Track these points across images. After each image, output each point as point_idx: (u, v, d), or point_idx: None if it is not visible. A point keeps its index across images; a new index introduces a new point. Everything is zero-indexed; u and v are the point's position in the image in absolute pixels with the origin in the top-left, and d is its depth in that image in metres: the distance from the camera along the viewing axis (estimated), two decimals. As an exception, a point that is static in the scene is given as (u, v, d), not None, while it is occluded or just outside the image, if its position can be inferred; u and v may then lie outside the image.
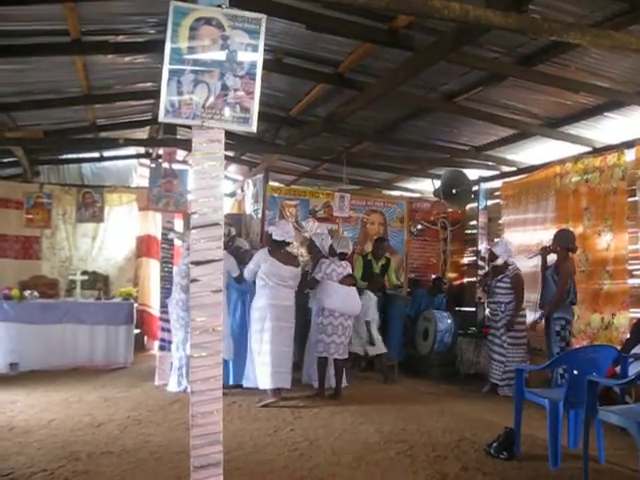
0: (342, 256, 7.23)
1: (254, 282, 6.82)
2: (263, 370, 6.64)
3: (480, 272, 9.52)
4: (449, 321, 8.91)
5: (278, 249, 6.82)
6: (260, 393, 6.75)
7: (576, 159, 7.83)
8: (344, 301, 7.06)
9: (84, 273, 9.91)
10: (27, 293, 8.86)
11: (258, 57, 3.22)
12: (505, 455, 4.84)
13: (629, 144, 7.06)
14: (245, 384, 7.08)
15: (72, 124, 9.15)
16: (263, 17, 3.21)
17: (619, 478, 4.49)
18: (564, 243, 6.91)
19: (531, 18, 4.14)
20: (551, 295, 6.89)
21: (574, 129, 7.36)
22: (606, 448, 4.82)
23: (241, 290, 7.34)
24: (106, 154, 11.30)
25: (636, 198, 6.94)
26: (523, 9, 4.02)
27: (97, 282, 10.24)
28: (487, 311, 8.23)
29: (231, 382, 7.19)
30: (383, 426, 5.83)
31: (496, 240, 8.45)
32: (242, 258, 7.20)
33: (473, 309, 9.83)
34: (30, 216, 10.47)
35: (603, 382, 4.88)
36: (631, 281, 7.08)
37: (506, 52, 5.69)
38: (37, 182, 10.76)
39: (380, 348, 8.28)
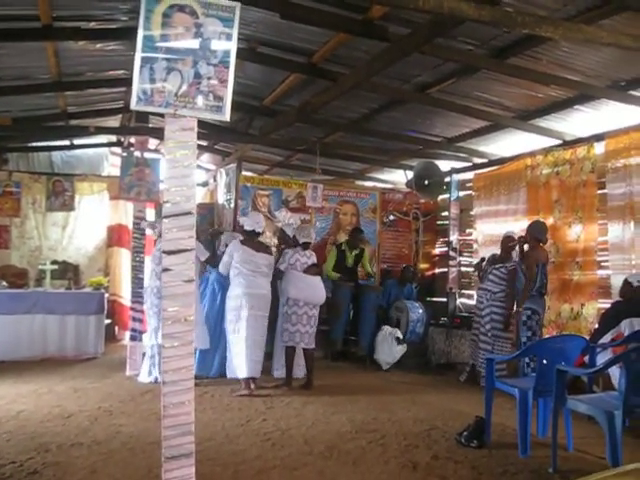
0: (306, 245, 7.24)
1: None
2: (238, 359, 6.65)
3: (469, 259, 9.49)
4: (421, 311, 8.99)
5: (250, 239, 6.83)
6: (233, 383, 6.75)
7: (547, 151, 7.92)
8: (308, 290, 7.08)
9: (54, 262, 9.80)
10: (-5, 283, 8.75)
11: (232, 45, 3.19)
12: (475, 444, 4.90)
13: (599, 137, 7.16)
14: (228, 375, 7.08)
15: (42, 111, 8.99)
16: (237, 5, 3.18)
17: (586, 465, 4.56)
18: (535, 234, 7.00)
19: (504, 11, 4.18)
20: (521, 284, 6.97)
21: (545, 122, 7.43)
22: (574, 436, 4.90)
23: (222, 282, 7.31)
24: (77, 142, 11.14)
25: (605, 190, 7.04)
26: (497, 2, 4.04)
27: (67, 272, 10.12)
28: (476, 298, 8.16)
29: (203, 372, 7.17)
30: (355, 416, 5.87)
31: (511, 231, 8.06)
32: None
33: (444, 299, 9.90)
34: (-1, 204, 10.31)
35: (572, 371, 4.96)
36: (600, 272, 7.19)
37: (479, 44, 5.72)
38: (6, 170, 10.57)
39: None
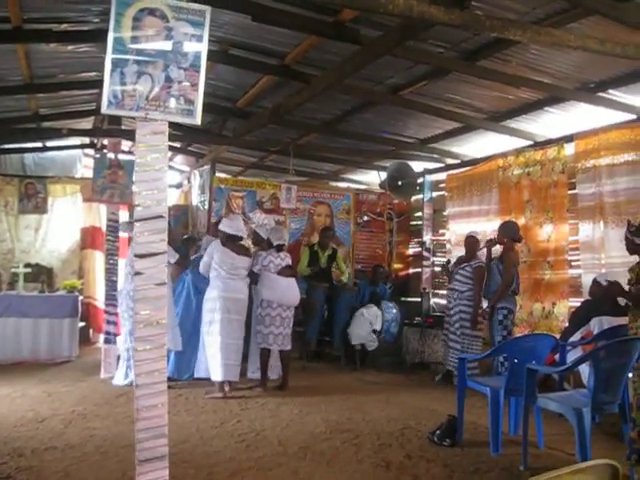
0: (280, 247, 7.25)
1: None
2: (213, 362, 6.65)
3: (443, 259, 9.55)
4: (394, 311, 9.02)
5: (231, 241, 6.83)
6: (207, 385, 6.75)
7: (518, 152, 8.01)
8: (282, 292, 7.08)
9: (27, 265, 9.68)
10: (-33, 286, 8.66)
11: (202, 49, 3.22)
12: (448, 442, 4.96)
13: (568, 138, 7.26)
14: (196, 374, 7.11)
15: (13, 113, 8.91)
16: (207, 9, 3.21)
17: (557, 462, 4.62)
18: (510, 234, 7.09)
19: (473, 15, 4.22)
20: (496, 285, 7.04)
21: (516, 123, 7.52)
22: (545, 434, 4.99)
23: (198, 285, 7.30)
24: (49, 144, 11.02)
25: (576, 191, 7.14)
26: (466, 5, 4.08)
27: (41, 275, 10.01)
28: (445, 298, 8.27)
29: (177, 375, 7.18)
30: (329, 416, 5.90)
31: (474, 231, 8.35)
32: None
33: (418, 299, 9.97)
34: (-31, 207, 10.19)
35: (542, 370, 5.04)
36: (571, 271, 7.30)
37: (450, 47, 5.77)
38: (-23, 172, 10.48)
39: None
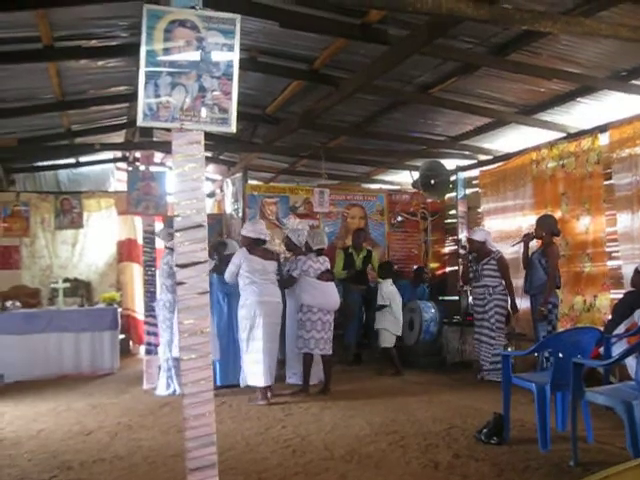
0: (319, 251, 7.23)
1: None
2: (254, 368, 6.62)
3: (461, 260, 9.56)
4: (433, 311, 8.97)
5: (255, 247, 6.81)
6: (249, 392, 6.76)
7: (551, 145, 7.91)
8: (322, 297, 7.07)
9: (66, 280, 9.83)
10: (9, 304, 8.81)
11: (234, 57, 3.23)
12: (495, 440, 4.90)
13: (602, 128, 7.15)
14: (242, 384, 7.05)
15: (47, 131, 9.08)
16: (237, 17, 3.22)
17: (607, 456, 4.55)
18: (548, 228, 7.01)
19: (503, 9, 4.19)
20: (538, 279, 6.96)
21: (548, 115, 7.44)
22: (594, 428, 4.90)
23: (226, 290, 7.33)
24: (82, 159, 11.22)
25: (612, 181, 7.03)
26: (494, 0, 4.05)
27: (79, 289, 10.18)
28: (470, 298, 8.27)
29: (218, 382, 7.20)
30: (373, 418, 5.87)
31: (474, 229, 8.51)
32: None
33: (456, 298, 9.90)
34: (7, 225, 10.37)
35: (588, 363, 4.96)
36: (610, 263, 7.17)
37: (479, 42, 5.73)
38: (13, 191, 10.67)
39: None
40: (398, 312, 8.40)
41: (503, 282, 7.62)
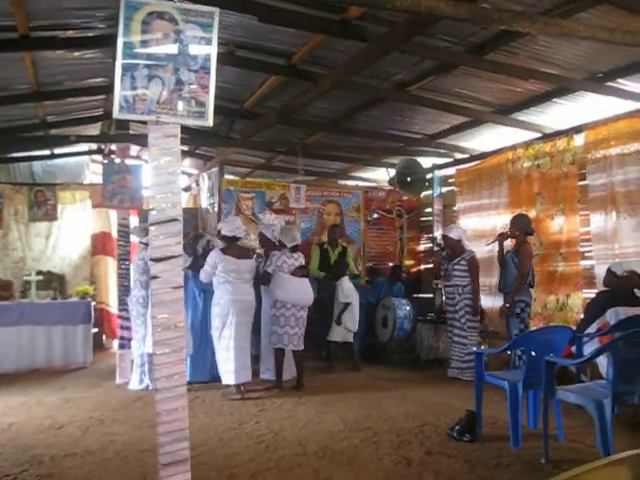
0: (294, 248, 7.24)
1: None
2: (226, 366, 6.63)
3: (433, 258, 9.61)
4: (408, 308, 9.03)
5: (231, 245, 6.81)
6: (223, 387, 6.75)
7: (527, 145, 7.98)
8: (296, 292, 7.07)
9: (39, 273, 9.71)
10: (-20, 296, 8.69)
11: (212, 50, 3.21)
12: (468, 437, 4.94)
13: (578, 129, 7.23)
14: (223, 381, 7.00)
15: (21, 121, 8.93)
16: (216, 10, 3.20)
17: (578, 454, 4.61)
18: (522, 227, 7.06)
19: (481, 8, 4.21)
20: (512, 278, 7.01)
21: (524, 115, 7.50)
22: (565, 426, 4.96)
23: (202, 286, 7.30)
24: (57, 151, 11.05)
25: (586, 182, 7.11)
26: (473, -1, 4.07)
27: (52, 282, 10.05)
28: (443, 296, 8.34)
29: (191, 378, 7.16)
30: (347, 414, 5.89)
31: (450, 225, 8.58)
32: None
33: (431, 295, 9.96)
34: (-20, 217, 10.22)
35: (560, 362, 5.00)
36: (583, 262, 7.27)
37: (457, 41, 5.75)
38: (-14, 182, 10.51)
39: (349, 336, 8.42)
40: (356, 309, 8.43)
41: (473, 282, 7.74)
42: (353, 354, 8.52)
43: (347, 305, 8.34)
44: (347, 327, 8.35)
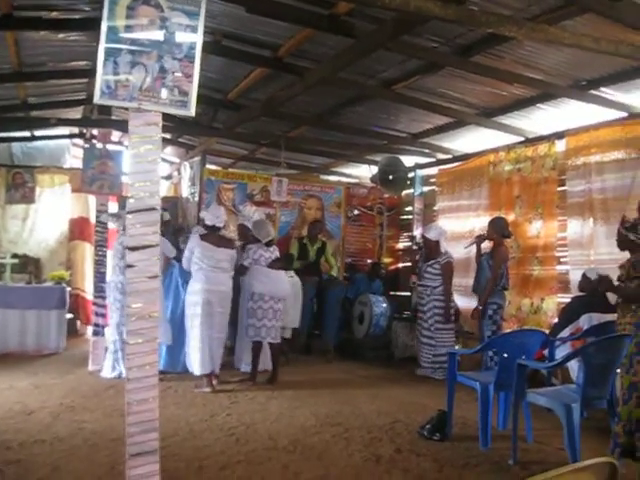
0: (269, 242, 7.22)
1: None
2: (193, 355, 6.61)
3: (411, 256, 9.64)
4: (384, 305, 9.05)
5: (210, 234, 6.77)
6: (196, 378, 6.73)
7: (509, 148, 8.02)
8: (273, 285, 7.05)
9: (14, 256, 9.57)
10: (-47, 277, 8.58)
11: (197, 39, 3.18)
12: (438, 436, 4.97)
13: (560, 135, 7.28)
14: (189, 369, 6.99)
15: (1, 102, 8.80)
16: (203, -1, 3.17)
17: (546, 456, 4.67)
18: (499, 230, 7.09)
19: (469, 10, 4.22)
20: (485, 280, 7.06)
21: (508, 119, 7.53)
22: (534, 428, 5.02)
23: (186, 277, 7.26)
24: (38, 133, 10.92)
25: (565, 187, 7.16)
26: (462, 1, 4.08)
27: (28, 265, 9.92)
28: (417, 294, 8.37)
29: (166, 368, 7.15)
30: (319, 409, 5.90)
31: (430, 225, 8.62)
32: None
33: (408, 293, 9.99)
34: (-45, 197, 10.09)
35: (532, 365, 5.07)
36: (559, 267, 7.32)
37: (444, 42, 5.76)
38: (-36, 161, 10.37)
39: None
40: (291, 305, 8.39)
41: (444, 285, 7.77)
42: (285, 352, 8.36)
43: None
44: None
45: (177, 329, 7.20)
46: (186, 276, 7.22)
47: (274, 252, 7.19)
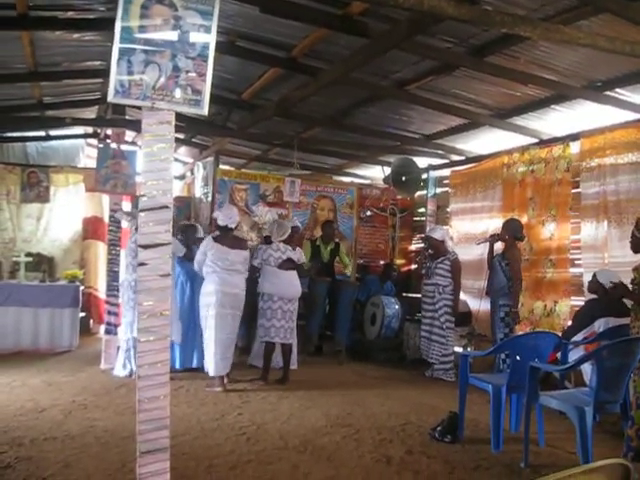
0: (285, 240, 7.21)
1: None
2: (208, 357, 6.62)
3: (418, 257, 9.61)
4: (396, 306, 9.04)
5: (224, 235, 6.76)
6: (208, 377, 6.73)
7: (523, 150, 7.97)
8: (282, 285, 7.04)
9: (28, 255, 9.65)
10: (-32, 275, 8.64)
11: (211, 39, 3.19)
12: (449, 439, 4.95)
13: (574, 137, 7.22)
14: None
15: (17, 101, 8.87)
16: (217, -1, 3.18)
17: (558, 460, 4.63)
18: (512, 232, 7.07)
19: (484, 10, 4.20)
20: (498, 282, 7.02)
21: (522, 120, 7.49)
22: (546, 431, 4.98)
23: (190, 274, 7.28)
24: (52, 133, 11.00)
25: (579, 189, 7.11)
26: (476, 1, 4.06)
27: (42, 264, 9.99)
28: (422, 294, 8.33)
29: (177, 366, 7.17)
30: (330, 410, 5.89)
31: (434, 227, 8.61)
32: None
33: (420, 295, 9.94)
34: (-29, 195, 10.15)
35: (544, 368, 5.03)
36: (572, 270, 7.26)
37: (458, 42, 5.73)
38: (-21, 160, 10.44)
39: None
40: None
41: (454, 283, 7.82)
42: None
43: None
44: None
45: (185, 327, 7.22)
46: (191, 273, 7.22)
47: (285, 252, 7.14)
